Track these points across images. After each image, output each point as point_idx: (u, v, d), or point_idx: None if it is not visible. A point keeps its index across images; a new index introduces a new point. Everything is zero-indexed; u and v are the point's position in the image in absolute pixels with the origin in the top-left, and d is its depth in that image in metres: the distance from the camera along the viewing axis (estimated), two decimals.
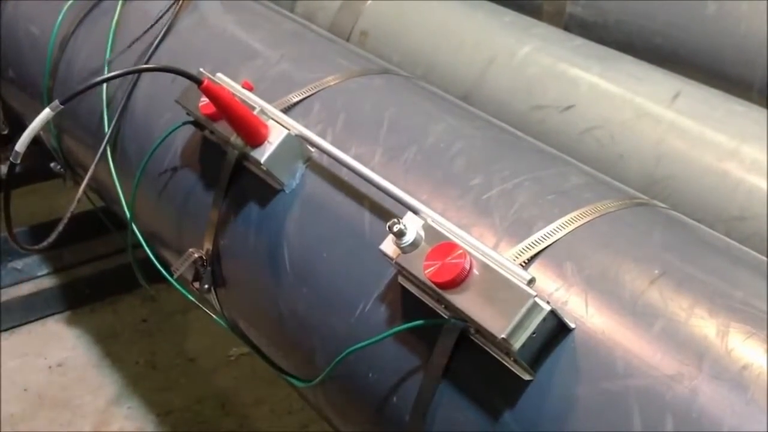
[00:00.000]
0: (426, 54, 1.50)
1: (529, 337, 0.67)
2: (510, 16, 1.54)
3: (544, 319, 0.67)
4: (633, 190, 0.89)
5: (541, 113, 1.31)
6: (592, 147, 1.24)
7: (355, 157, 0.84)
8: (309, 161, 0.95)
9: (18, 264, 2.05)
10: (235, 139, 0.96)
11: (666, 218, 0.83)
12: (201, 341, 1.92)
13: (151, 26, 1.24)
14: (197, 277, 1.07)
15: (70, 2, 1.39)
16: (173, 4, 1.25)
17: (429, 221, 0.74)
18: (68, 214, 1.21)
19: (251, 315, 1.08)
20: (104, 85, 1.22)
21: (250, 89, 0.99)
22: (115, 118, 1.22)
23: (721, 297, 0.68)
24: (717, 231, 0.86)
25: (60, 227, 1.20)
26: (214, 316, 1.15)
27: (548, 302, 0.68)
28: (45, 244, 1.21)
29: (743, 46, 1.36)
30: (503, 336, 0.66)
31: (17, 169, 0.99)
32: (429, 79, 1.30)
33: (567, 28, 1.62)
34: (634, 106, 1.25)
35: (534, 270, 0.73)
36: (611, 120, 1.25)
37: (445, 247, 0.71)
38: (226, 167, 1.01)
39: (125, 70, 0.96)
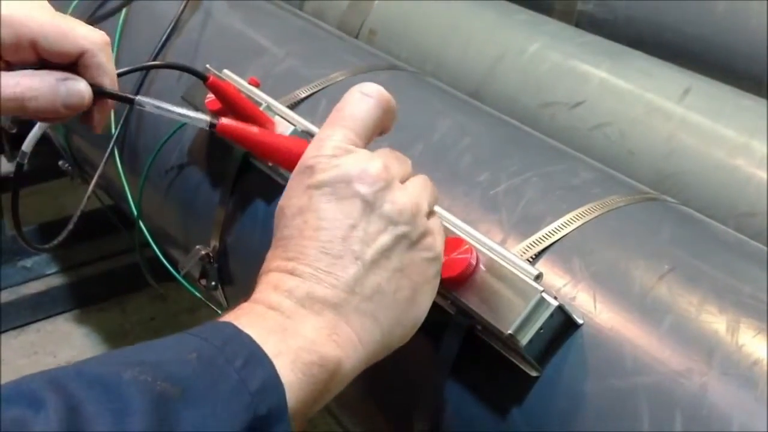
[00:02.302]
0: (435, 51, 1.49)
1: (537, 333, 0.66)
2: (520, 13, 1.53)
3: (552, 315, 0.66)
4: (643, 185, 0.88)
5: (550, 110, 1.31)
6: (602, 143, 1.23)
7: None
8: None
9: (27, 262, 2.06)
10: None
11: (675, 213, 0.82)
12: None
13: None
14: (204, 275, 1.07)
15: (75, 3, 1.40)
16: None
17: None
18: (78, 213, 1.21)
19: None
20: None
21: (257, 85, 0.99)
22: (123, 116, 1.22)
23: (732, 292, 0.68)
24: (727, 227, 0.85)
25: (70, 225, 1.20)
26: (221, 313, 1.15)
27: (556, 298, 0.67)
28: (55, 242, 1.21)
29: (753, 42, 1.35)
30: (510, 332, 0.66)
31: (25, 167, 1.00)
32: (438, 76, 1.30)
33: (578, 25, 1.61)
34: (645, 102, 1.24)
35: (541, 266, 0.73)
36: (621, 116, 1.24)
37: (451, 243, 0.70)
38: (233, 164, 1.01)
39: (130, 68, 0.96)
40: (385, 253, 0.62)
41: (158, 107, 0.73)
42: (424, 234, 0.64)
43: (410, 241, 0.63)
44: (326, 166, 0.63)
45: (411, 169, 0.68)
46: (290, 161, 0.74)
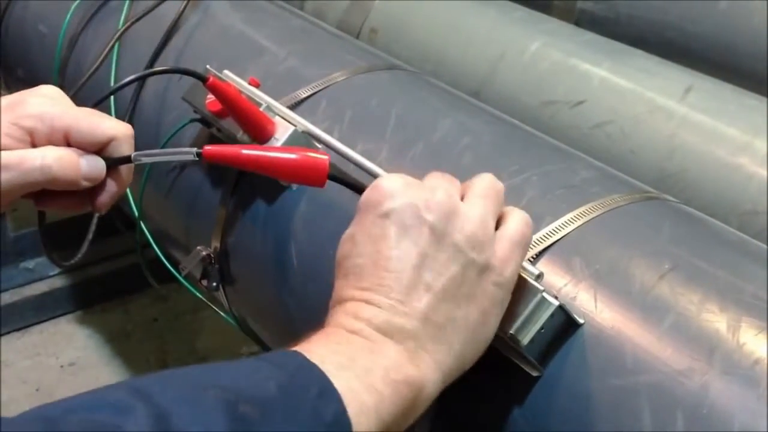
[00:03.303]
0: (436, 50, 1.49)
1: (537, 333, 0.66)
2: (520, 12, 1.53)
3: (553, 315, 0.66)
4: (644, 184, 0.88)
5: (551, 109, 1.31)
6: (604, 142, 1.23)
7: (362, 153, 0.83)
8: None
9: (29, 264, 2.06)
10: (241, 135, 0.95)
11: (676, 212, 0.82)
12: (211, 340, 1.92)
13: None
14: (205, 275, 1.07)
15: (77, 2, 1.40)
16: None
17: None
18: (93, 226, 1.22)
19: (259, 312, 1.08)
20: (111, 83, 1.22)
21: (257, 86, 0.99)
22: (125, 117, 1.21)
23: (733, 291, 0.67)
24: (730, 225, 0.84)
25: (89, 236, 1.22)
26: (222, 313, 1.15)
27: (556, 297, 0.67)
28: (74, 260, 1.24)
29: (755, 40, 1.35)
30: (511, 332, 0.66)
31: None
32: (439, 76, 1.30)
33: (578, 23, 1.61)
34: (646, 100, 1.24)
35: (542, 265, 0.73)
36: (623, 115, 1.24)
37: None
38: None
39: (131, 78, 0.97)
40: (455, 280, 0.64)
41: (150, 155, 0.79)
42: (493, 258, 0.65)
43: (479, 267, 0.64)
44: (395, 194, 0.65)
45: (459, 184, 0.69)
46: (281, 173, 0.77)
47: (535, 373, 0.68)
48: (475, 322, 0.64)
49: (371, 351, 0.61)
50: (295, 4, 1.64)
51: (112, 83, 1.23)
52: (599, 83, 1.28)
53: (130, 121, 1.21)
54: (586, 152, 0.94)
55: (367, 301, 0.63)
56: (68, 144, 0.74)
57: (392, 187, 0.66)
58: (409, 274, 0.63)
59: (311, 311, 0.92)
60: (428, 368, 0.62)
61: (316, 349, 0.59)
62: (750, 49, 1.37)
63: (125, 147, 0.76)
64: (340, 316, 0.64)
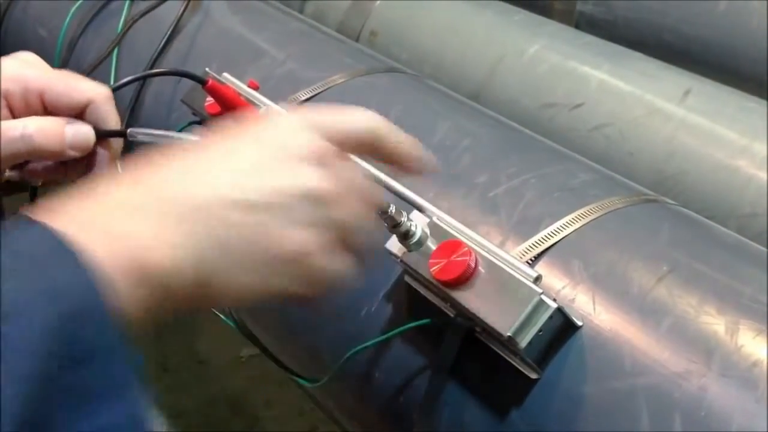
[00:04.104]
0: (435, 53, 1.49)
1: (536, 336, 0.66)
2: (519, 14, 1.54)
3: (551, 317, 0.66)
4: (643, 187, 0.88)
5: (550, 111, 1.31)
6: (602, 144, 1.23)
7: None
8: None
9: None
10: None
11: (674, 215, 0.82)
12: (211, 343, 1.92)
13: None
14: None
15: (77, 3, 1.40)
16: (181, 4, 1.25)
17: (434, 219, 0.73)
18: None
19: (258, 315, 1.07)
20: (110, 85, 1.22)
21: (256, 88, 0.99)
22: (125, 119, 1.22)
23: (731, 294, 0.67)
24: (728, 228, 0.85)
25: None
26: (222, 316, 1.15)
27: (555, 300, 0.67)
28: None
29: (754, 42, 1.35)
30: (509, 334, 0.66)
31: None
32: (438, 78, 1.30)
33: (578, 26, 1.62)
34: (645, 103, 1.24)
35: (541, 267, 0.73)
36: (621, 117, 1.24)
37: (450, 245, 0.70)
38: None
39: (129, 78, 0.97)
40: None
41: (149, 134, 0.76)
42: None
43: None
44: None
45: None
46: None
47: (533, 376, 0.68)
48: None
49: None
50: (296, 5, 1.65)
51: (111, 84, 1.23)
52: (598, 86, 1.29)
53: (128, 124, 1.21)
54: (584, 154, 0.94)
55: None
56: (45, 108, 0.71)
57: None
58: None
59: (310, 314, 0.92)
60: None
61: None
62: (749, 52, 1.37)
63: (105, 110, 0.72)
64: None
